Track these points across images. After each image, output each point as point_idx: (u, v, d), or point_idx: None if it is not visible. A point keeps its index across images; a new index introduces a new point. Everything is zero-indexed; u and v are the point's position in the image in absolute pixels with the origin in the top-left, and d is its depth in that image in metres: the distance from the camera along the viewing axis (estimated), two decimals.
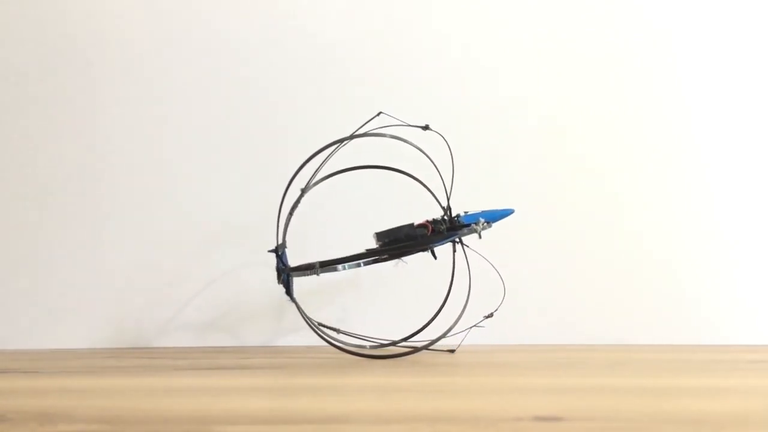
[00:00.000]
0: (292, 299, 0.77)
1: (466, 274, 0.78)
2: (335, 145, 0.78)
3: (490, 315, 0.79)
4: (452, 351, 0.82)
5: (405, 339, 0.83)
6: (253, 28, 0.99)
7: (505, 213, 0.78)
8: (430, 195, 0.77)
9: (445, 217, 0.76)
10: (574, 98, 1.00)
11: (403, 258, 0.76)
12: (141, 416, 0.45)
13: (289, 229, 0.78)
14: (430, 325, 0.81)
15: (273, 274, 0.77)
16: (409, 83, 0.98)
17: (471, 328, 0.78)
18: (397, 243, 0.75)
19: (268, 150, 0.97)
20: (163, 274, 0.96)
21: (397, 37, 1.00)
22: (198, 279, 0.95)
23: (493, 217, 0.77)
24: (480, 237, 0.76)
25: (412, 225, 0.76)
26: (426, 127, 0.78)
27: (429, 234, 0.75)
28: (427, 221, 0.76)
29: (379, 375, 0.65)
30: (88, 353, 0.88)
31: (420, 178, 0.77)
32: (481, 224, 0.76)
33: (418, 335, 0.82)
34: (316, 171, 0.80)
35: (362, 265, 0.77)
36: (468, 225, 0.76)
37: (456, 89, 0.99)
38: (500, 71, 1.00)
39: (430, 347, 0.79)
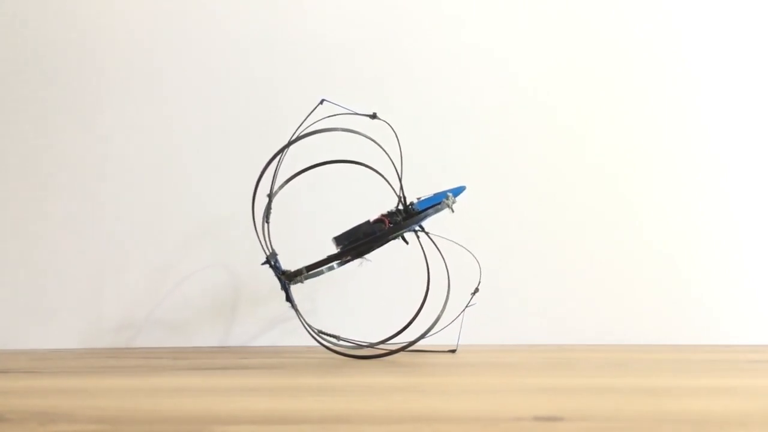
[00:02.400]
0: (293, 306, 0.77)
1: (441, 262, 0.77)
2: (286, 147, 0.78)
3: (476, 290, 0.79)
4: (453, 351, 0.82)
5: (395, 335, 0.82)
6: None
7: (458, 190, 0.77)
8: (373, 187, 0.77)
9: (400, 207, 0.76)
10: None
11: (365, 256, 0.76)
12: (141, 416, 0.45)
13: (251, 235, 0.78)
14: (429, 319, 0.80)
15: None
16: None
17: (464, 310, 0.78)
18: (357, 243, 0.74)
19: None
20: (164, 274, 0.95)
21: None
22: (200, 279, 0.95)
23: (452, 194, 0.76)
24: (453, 211, 0.76)
25: (368, 222, 0.75)
26: (374, 116, 0.77)
27: (386, 227, 0.74)
28: (383, 215, 0.75)
29: (379, 375, 0.65)
30: (88, 353, 0.88)
31: (366, 169, 0.77)
32: (450, 199, 0.75)
33: (417, 332, 0.81)
34: (275, 174, 0.79)
35: (335, 267, 0.77)
36: (425, 210, 0.75)
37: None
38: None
39: (431, 347, 0.78)
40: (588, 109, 1.00)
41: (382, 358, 0.76)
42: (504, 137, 0.99)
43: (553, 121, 1.00)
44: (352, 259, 0.76)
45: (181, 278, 0.95)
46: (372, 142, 0.76)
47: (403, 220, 0.75)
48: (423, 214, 0.75)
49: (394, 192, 0.76)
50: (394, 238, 0.75)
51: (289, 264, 0.78)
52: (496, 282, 0.93)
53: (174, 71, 0.99)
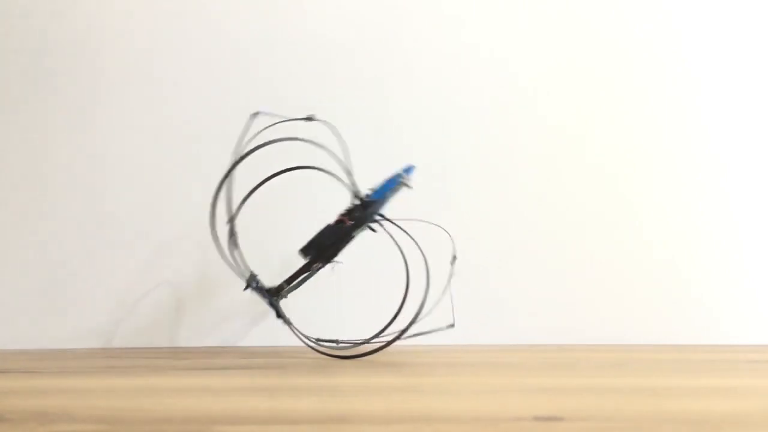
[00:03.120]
0: (286, 321, 0.77)
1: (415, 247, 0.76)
2: (232, 170, 0.77)
3: (454, 258, 0.79)
4: (452, 326, 0.80)
5: (388, 325, 0.81)
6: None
7: (409, 169, 0.77)
8: (331, 189, 0.77)
9: (356, 202, 0.75)
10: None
11: (335, 260, 0.76)
12: (141, 416, 0.45)
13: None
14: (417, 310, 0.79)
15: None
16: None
17: (449, 281, 0.78)
18: (325, 248, 0.74)
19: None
20: (164, 274, 0.95)
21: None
22: (199, 278, 0.95)
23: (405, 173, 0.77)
24: (410, 187, 0.76)
25: (329, 226, 0.75)
26: (310, 118, 0.76)
27: (347, 225, 0.74)
28: (341, 215, 0.75)
29: (378, 375, 0.65)
30: (88, 353, 0.88)
31: (317, 170, 0.77)
32: (405, 178, 0.76)
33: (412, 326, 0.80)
34: (229, 197, 0.79)
35: (311, 276, 0.77)
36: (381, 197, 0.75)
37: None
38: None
39: (424, 330, 0.77)
40: (588, 109, 1.00)
41: (382, 358, 0.76)
42: (504, 137, 0.99)
43: (553, 121, 1.00)
44: (323, 266, 0.75)
45: (180, 277, 0.95)
46: (318, 146, 0.76)
47: (362, 212, 0.74)
48: (381, 200, 0.75)
49: (346, 187, 0.76)
50: (358, 233, 0.75)
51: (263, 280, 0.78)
52: (496, 282, 0.93)
53: (173, 71, 0.99)
